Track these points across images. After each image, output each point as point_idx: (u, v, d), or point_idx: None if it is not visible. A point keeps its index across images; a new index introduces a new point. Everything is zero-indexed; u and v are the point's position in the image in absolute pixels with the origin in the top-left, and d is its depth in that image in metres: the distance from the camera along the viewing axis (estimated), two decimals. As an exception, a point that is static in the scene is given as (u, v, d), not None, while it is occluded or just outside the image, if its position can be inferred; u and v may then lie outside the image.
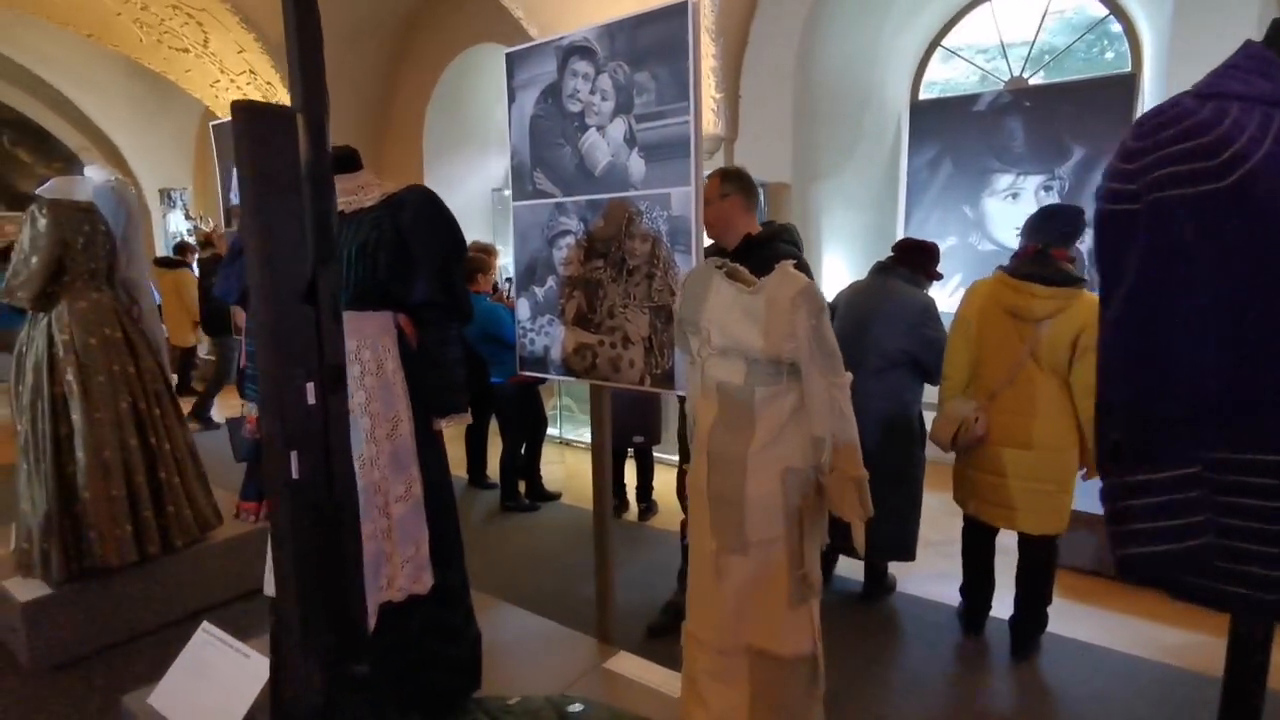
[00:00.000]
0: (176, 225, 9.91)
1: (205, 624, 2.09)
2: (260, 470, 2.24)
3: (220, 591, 3.09)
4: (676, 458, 3.14)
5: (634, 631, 2.72)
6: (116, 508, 2.68)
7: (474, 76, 7.66)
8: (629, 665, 2.15)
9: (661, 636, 2.73)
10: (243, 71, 7.82)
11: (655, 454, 4.19)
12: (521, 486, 4.38)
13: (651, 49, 1.85)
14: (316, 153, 1.07)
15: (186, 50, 7.73)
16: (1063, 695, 2.40)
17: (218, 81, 8.10)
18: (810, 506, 1.46)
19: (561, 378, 2.22)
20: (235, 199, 3.30)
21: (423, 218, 1.72)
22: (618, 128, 1.97)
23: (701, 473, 1.54)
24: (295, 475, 1.05)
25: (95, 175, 2.96)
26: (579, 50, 2.01)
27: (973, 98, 5.20)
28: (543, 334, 2.25)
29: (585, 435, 5.40)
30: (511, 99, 2.22)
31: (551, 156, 2.15)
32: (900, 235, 5.22)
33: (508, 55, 2.20)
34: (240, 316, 3.46)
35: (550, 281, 2.21)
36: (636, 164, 1.95)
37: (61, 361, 2.62)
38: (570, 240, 2.14)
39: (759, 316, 1.41)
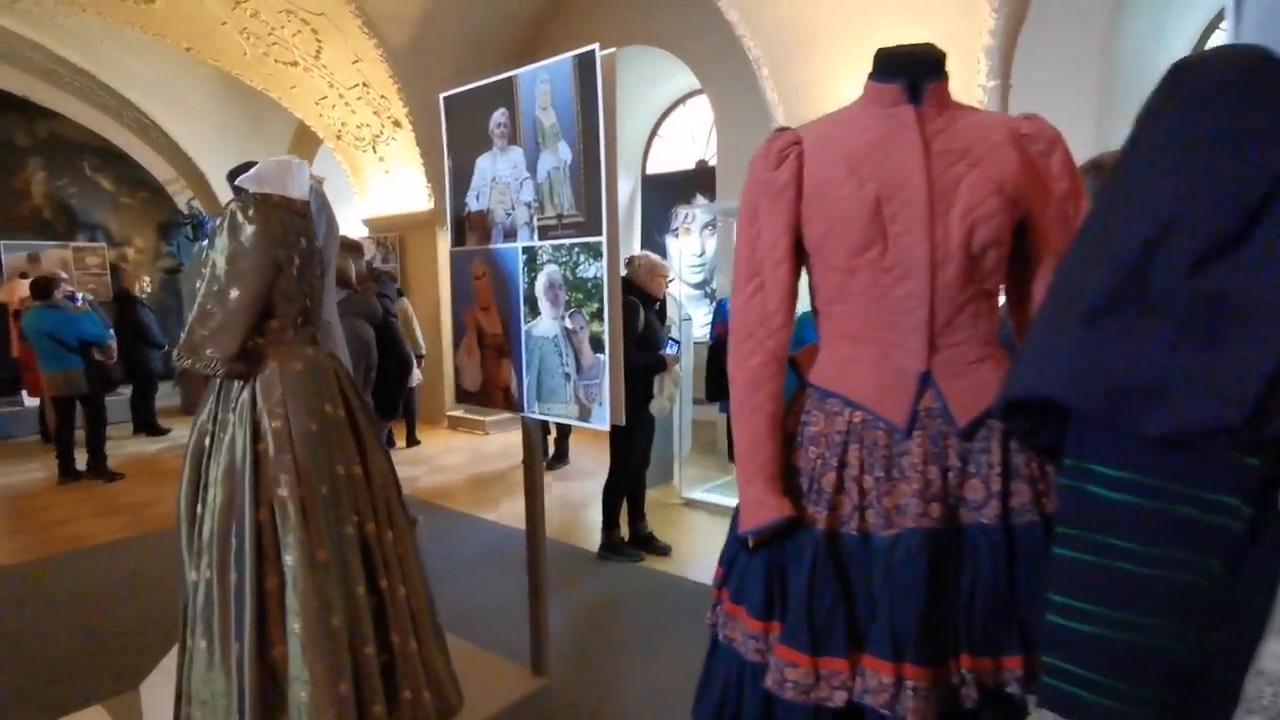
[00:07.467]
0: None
1: None
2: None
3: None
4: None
5: None
6: (344, 712, 1.58)
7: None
8: None
9: None
10: (354, 85, 6.97)
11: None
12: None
13: None
14: None
15: (295, 64, 6.92)
16: None
17: (324, 98, 7.27)
18: None
19: None
20: (477, 203, 2.25)
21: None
22: None
23: None
24: None
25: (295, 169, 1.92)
26: None
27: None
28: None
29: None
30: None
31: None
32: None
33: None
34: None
35: None
36: None
37: (273, 464, 1.54)
38: None
39: None
